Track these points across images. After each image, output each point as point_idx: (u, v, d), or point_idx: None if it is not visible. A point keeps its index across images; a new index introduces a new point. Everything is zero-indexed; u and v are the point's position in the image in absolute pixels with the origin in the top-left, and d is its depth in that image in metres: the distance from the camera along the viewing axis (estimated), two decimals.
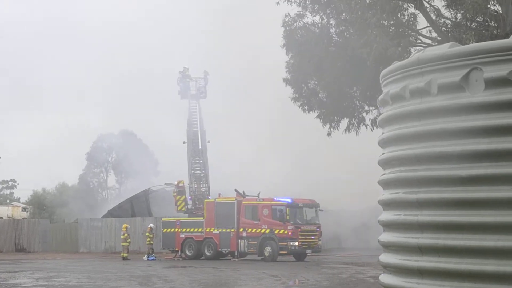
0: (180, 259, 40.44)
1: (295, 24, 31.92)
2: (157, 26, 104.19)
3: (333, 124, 32.76)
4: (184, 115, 46.90)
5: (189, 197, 42.88)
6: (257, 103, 69.15)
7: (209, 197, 42.00)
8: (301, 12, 31.63)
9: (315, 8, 31.04)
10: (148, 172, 78.42)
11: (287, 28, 31.92)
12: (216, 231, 39.39)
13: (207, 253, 39.71)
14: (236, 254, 38.86)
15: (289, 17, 31.67)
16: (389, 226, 6.04)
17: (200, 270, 30.36)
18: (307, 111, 33.07)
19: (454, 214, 5.19)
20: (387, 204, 6.06)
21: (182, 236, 40.78)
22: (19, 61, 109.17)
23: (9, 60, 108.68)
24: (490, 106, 5.04)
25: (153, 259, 40.29)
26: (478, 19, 27.22)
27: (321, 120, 32.94)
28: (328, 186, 45.58)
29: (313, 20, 32.02)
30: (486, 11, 26.15)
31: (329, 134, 33.06)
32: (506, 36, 24.55)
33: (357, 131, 32.94)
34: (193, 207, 42.43)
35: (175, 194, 42.70)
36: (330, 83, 31.64)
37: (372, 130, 32.18)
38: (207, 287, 22.11)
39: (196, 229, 40.29)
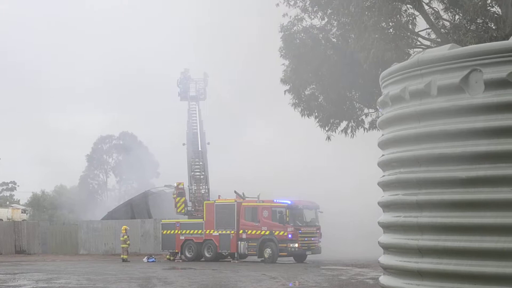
0: (180, 260, 40.47)
1: (294, 28, 31.88)
2: (157, 28, 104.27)
3: (332, 127, 32.70)
4: (183, 116, 46.95)
5: (189, 199, 42.89)
6: (256, 105, 69.17)
7: (209, 199, 42.02)
8: (300, 16, 31.56)
9: (315, 10, 30.97)
10: (148, 174, 78.43)
11: (286, 32, 31.85)
12: (216, 233, 39.40)
13: (207, 255, 39.72)
14: (236, 255, 38.86)
15: (287, 17, 31.52)
16: (389, 227, 6.04)
17: (200, 271, 30.35)
18: (306, 116, 32.98)
19: (454, 215, 5.19)
20: (387, 206, 6.06)
21: (182, 238, 40.80)
22: (19, 62, 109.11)
23: (9, 62, 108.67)
24: (490, 108, 5.04)
25: (153, 261, 40.31)
26: (478, 21, 27.20)
27: (319, 123, 32.86)
28: (328, 188, 45.54)
29: (312, 23, 31.98)
30: (486, 13, 26.14)
31: (328, 138, 32.98)
32: (506, 37, 24.52)
33: (353, 133, 32.90)
34: (192, 209, 42.44)
35: (174, 196, 42.70)
36: (329, 86, 31.61)
37: (367, 132, 32.16)
38: None
39: (196, 231, 40.31)
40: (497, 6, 27.11)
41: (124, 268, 34.29)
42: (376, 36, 26.53)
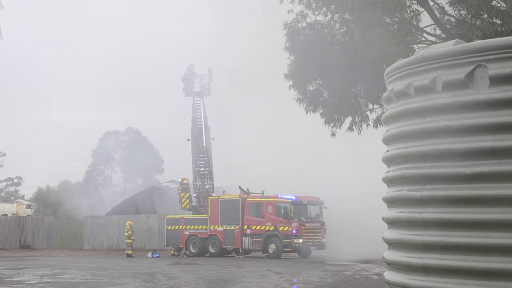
0: (185, 256, 40.52)
1: (298, 25, 31.78)
2: (162, 24, 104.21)
3: (337, 124, 32.59)
4: (188, 112, 46.95)
5: (194, 195, 42.93)
6: (261, 100, 69.04)
7: (213, 194, 42.05)
8: (304, 12, 31.45)
9: (319, 5, 30.86)
10: (153, 170, 78.47)
11: (290, 29, 31.76)
12: (220, 228, 39.43)
13: (212, 250, 39.76)
14: (240, 251, 38.90)
15: (292, 13, 31.47)
16: (393, 223, 6.04)
17: (205, 267, 30.37)
18: (311, 112, 32.88)
19: (458, 211, 5.19)
20: (392, 202, 6.06)
21: (187, 233, 40.86)
22: (24, 58, 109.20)
23: (14, 58, 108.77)
24: (495, 104, 5.04)
25: (157, 256, 40.37)
26: (483, 16, 27.11)
27: (324, 120, 32.76)
28: (332, 183, 45.53)
29: (316, 19, 31.87)
30: (491, 8, 26.05)
31: (333, 134, 32.89)
32: (511, 33, 24.50)
33: (359, 130, 32.79)
34: (197, 205, 42.48)
35: (179, 191, 42.75)
36: (334, 82, 31.52)
37: (374, 128, 32.07)
38: (212, 284, 22.12)
39: (200, 226, 40.36)
40: (502, 1, 27.04)
41: (129, 263, 34.33)
42: (381, 32, 26.47)
